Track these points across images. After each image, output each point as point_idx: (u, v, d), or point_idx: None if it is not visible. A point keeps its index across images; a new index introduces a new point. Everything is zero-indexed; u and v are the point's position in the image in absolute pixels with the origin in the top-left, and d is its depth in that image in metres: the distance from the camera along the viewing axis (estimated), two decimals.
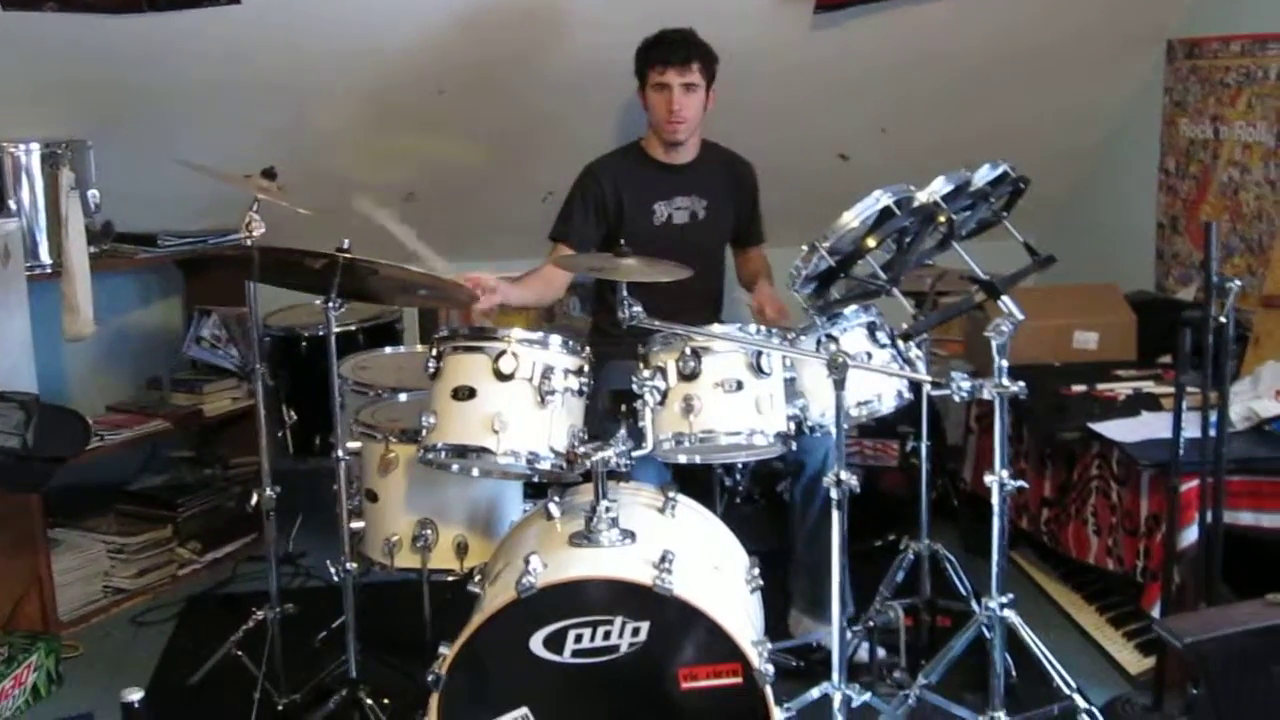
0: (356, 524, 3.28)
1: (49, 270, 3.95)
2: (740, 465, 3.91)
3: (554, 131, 4.47)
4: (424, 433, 2.96)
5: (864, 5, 4.19)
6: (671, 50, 3.63)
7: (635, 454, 2.88)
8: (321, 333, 3.14)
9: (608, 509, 2.78)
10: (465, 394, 2.91)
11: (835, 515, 2.75)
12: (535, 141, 4.54)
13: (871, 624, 3.42)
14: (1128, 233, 4.87)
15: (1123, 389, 3.86)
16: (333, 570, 3.17)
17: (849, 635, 3.37)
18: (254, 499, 3.36)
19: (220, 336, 4.43)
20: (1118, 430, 3.52)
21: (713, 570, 2.86)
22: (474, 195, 4.74)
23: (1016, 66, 4.55)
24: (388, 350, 4.02)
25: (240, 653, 3.44)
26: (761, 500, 4.43)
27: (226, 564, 4.45)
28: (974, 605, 3.04)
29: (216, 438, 4.73)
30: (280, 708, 3.29)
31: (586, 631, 2.60)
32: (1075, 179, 5.13)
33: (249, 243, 3.10)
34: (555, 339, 2.97)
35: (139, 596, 4.20)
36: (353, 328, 4.20)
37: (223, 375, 4.48)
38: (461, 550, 3.23)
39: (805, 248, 2.80)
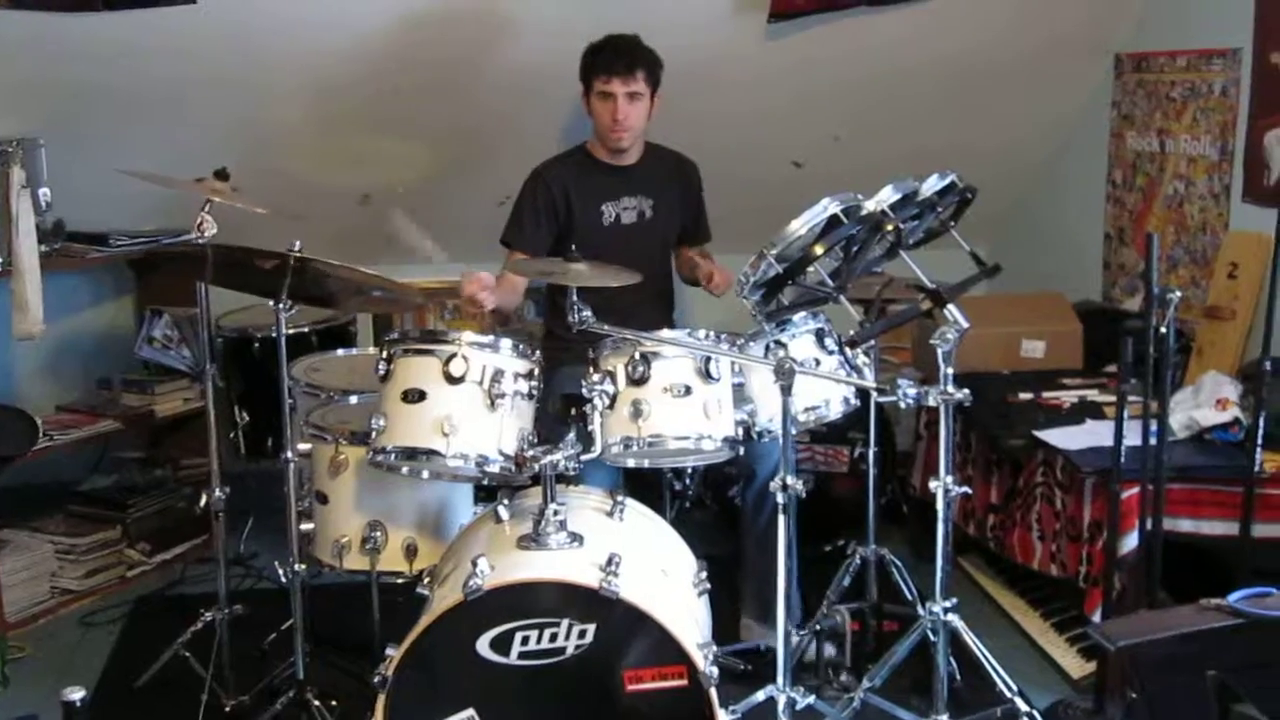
0: (306, 526, 3.29)
1: None
2: (690, 470, 3.93)
3: (509, 133, 4.49)
4: (373, 435, 2.97)
5: (817, 15, 4.24)
6: (616, 59, 3.65)
7: (584, 458, 2.90)
8: (274, 334, 3.13)
9: (556, 512, 2.80)
10: (415, 396, 2.92)
11: (782, 520, 2.78)
12: (491, 143, 4.55)
13: (819, 627, 3.46)
14: (1076, 243, 4.94)
15: (1068, 397, 3.92)
16: (281, 572, 3.17)
17: (795, 638, 3.41)
18: (203, 500, 3.34)
19: (172, 337, 4.41)
20: (1062, 438, 3.57)
21: (660, 574, 2.88)
22: (430, 197, 4.74)
23: (967, 78, 4.60)
24: (340, 352, 4.01)
25: (188, 654, 3.43)
26: (713, 505, 4.46)
27: (176, 565, 4.42)
28: (919, 609, 3.07)
29: (168, 439, 4.71)
30: (227, 709, 3.28)
31: (533, 633, 2.62)
32: (1025, 190, 5.19)
33: (200, 243, 3.08)
34: (506, 342, 2.99)
35: (87, 597, 4.17)
36: (305, 329, 4.20)
37: (174, 376, 4.46)
38: (411, 552, 3.24)
39: (754, 255, 2.83)
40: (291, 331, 4.09)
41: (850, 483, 4.34)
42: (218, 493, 3.32)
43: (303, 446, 3.25)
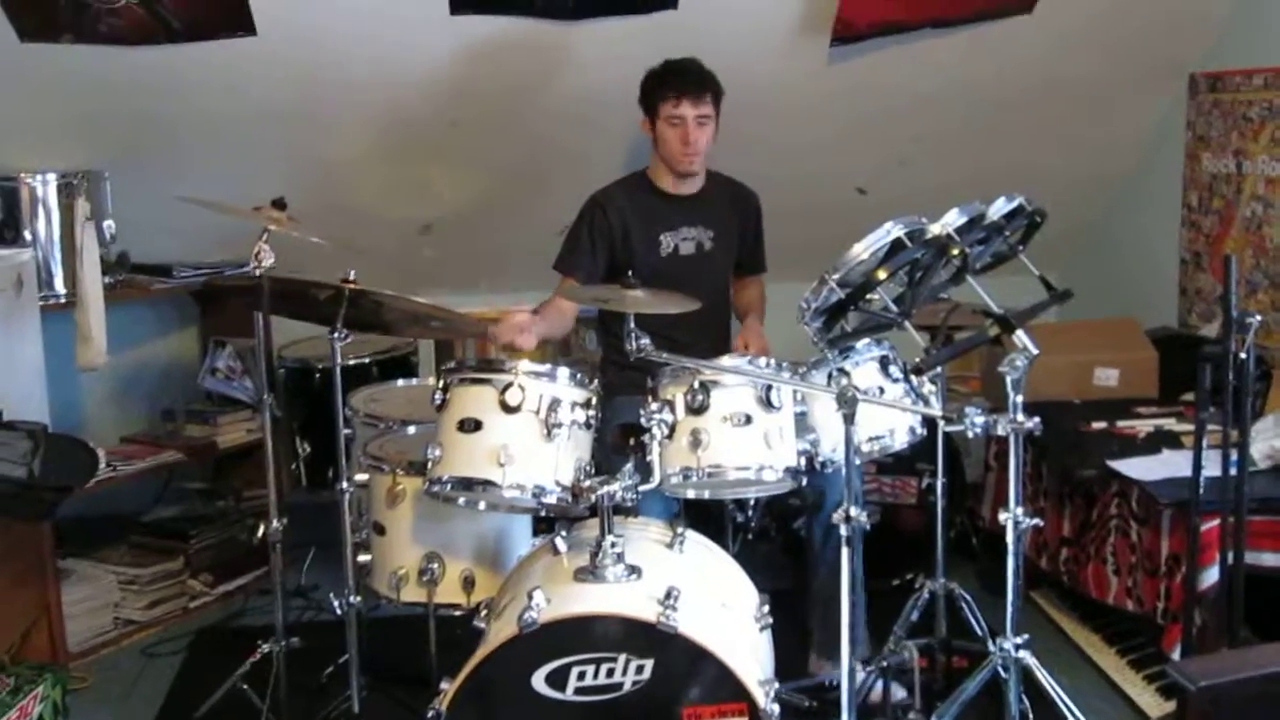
0: (364, 557, 3.27)
1: (63, 300, 3.97)
2: (753, 502, 3.86)
3: (567, 163, 4.47)
4: (430, 465, 2.94)
5: (881, 39, 4.17)
6: (687, 83, 3.59)
7: (642, 488, 2.85)
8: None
9: (613, 544, 2.74)
10: (471, 426, 2.89)
11: (845, 552, 2.70)
12: (549, 173, 4.54)
13: (885, 664, 3.36)
14: (1151, 268, 4.82)
15: (1143, 426, 3.81)
16: (336, 604, 3.15)
17: (862, 675, 3.33)
18: (261, 531, 3.33)
19: (235, 368, 4.41)
20: (1137, 468, 3.47)
21: (720, 608, 2.81)
22: (487, 226, 4.73)
23: (1037, 100, 4.52)
24: (399, 383, 4.01)
25: (246, 686, 3.41)
26: (778, 537, 4.38)
27: (238, 596, 4.41)
28: (990, 645, 2.98)
29: (230, 469, 4.71)
30: None
31: (590, 668, 2.56)
32: (1098, 213, 5.09)
33: (258, 273, 3.08)
34: (563, 371, 2.95)
35: (150, 628, 4.17)
36: (366, 360, 4.22)
37: (237, 407, 4.46)
38: (468, 584, 3.21)
39: (816, 281, 2.77)
40: (352, 362, 4.15)
41: (918, 515, 4.26)
42: (275, 524, 3.30)
43: (360, 477, 3.24)
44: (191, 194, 3.48)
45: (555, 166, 4.52)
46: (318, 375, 4.17)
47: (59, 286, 3.98)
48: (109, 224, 4.08)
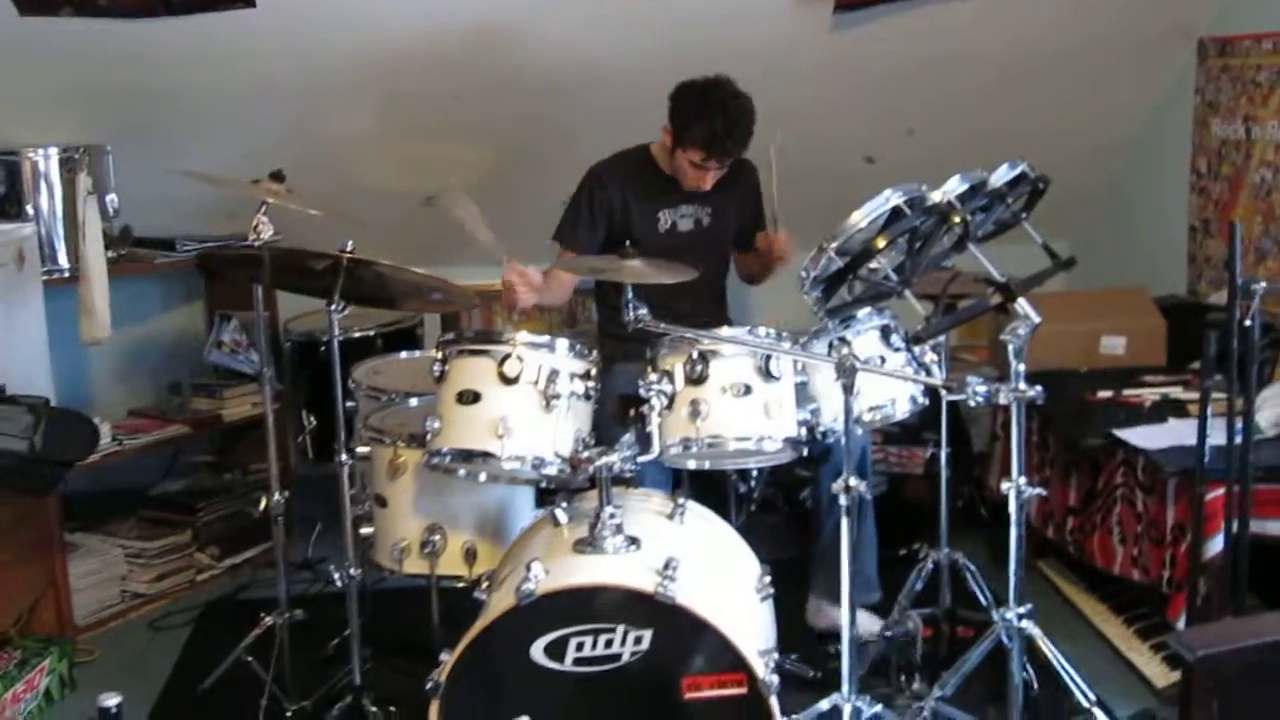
0: (367, 529, 3.27)
1: (67, 274, 3.96)
2: (755, 473, 3.85)
3: (569, 134, 4.43)
4: (429, 437, 2.93)
5: (885, 5, 4.13)
6: (722, 150, 3.50)
7: (641, 459, 2.84)
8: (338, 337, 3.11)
9: (612, 515, 2.74)
10: (470, 398, 2.89)
11: (845, 522, 2.69)
12: (552, 145, 4.50)
13: (890, 634, 3.36)
14: (1159, 236, 4.78)
15: (1149, 395, 3.78)
16: (337, 576, 3.15)
17: (866, 643, 3.32)
18: (262, 504, 3.33)
19: (240, 341, 4.39)
20: (1143, 437, 3.44)
21: (719, 578, 2.81)
22: (489, 200, 4.68)
23: (1044, 66, 4.47)
24: (402, 355, 3.99)
25: (251, 659, 3.41)
26: (783, 508, 4.38)
27: (245, 569, 4.42)
28: (994, 615, 2.97)
29: (237, 443, 4.71)
30: (289, 714, 3.26)
31: (588, 639, 2.56)
32: (1106, 180, 5.04)
33: (256, 245, 3.07)
34: (562, 342, 2.94)
35: (157, 601, 4.18)
36: (371, 332, 4.21)
37: (243, 380, 4.45)
38: (470, 556, 3.21)
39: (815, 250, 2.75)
40: (357, 334, 4.15)
41: (925, 485, 4.24)
42: (277, 496, 3.30)
43: (362, 449, 3.24)
44: (194, 167, 3.49)
45: (555, 141, 4.48)
46: (323, 348, 4.15)
47: (62, 261, 3.96)
48: (111, 198, 4.06)
